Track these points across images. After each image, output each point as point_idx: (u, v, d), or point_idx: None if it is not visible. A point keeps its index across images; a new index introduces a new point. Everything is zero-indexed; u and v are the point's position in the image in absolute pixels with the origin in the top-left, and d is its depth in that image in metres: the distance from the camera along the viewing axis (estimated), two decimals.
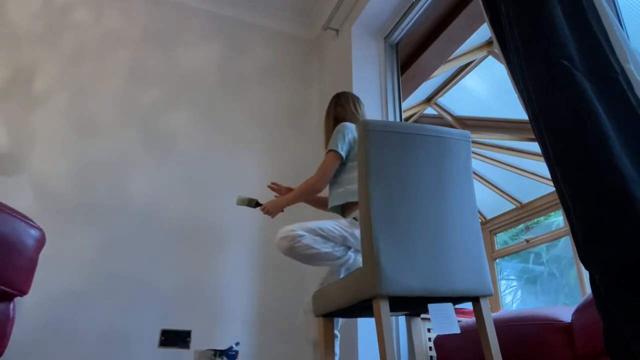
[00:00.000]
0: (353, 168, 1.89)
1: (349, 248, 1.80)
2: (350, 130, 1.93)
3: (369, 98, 2.77)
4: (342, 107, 2.09)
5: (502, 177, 5.20)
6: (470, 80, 4.06)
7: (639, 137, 1.06)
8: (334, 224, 1.79)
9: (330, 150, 1.89)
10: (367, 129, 1.38)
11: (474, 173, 2.25)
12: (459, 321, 1.35)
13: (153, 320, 2.35)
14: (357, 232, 1.76)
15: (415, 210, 1.34)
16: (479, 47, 3.63)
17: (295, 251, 1.73)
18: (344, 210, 1.95)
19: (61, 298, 2.23)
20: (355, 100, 2.14)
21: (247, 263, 2.66)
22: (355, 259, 1.79)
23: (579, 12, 1.22)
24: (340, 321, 1.91)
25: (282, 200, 2.00)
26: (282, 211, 2.03)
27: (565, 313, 1.45)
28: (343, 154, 1.89)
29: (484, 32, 3.14)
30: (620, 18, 1.37)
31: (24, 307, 2.13)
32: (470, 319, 1.67)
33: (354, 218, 1.82)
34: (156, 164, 2.70)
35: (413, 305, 1.48)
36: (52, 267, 2.08)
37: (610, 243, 0.98)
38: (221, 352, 1.90)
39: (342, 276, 2.02)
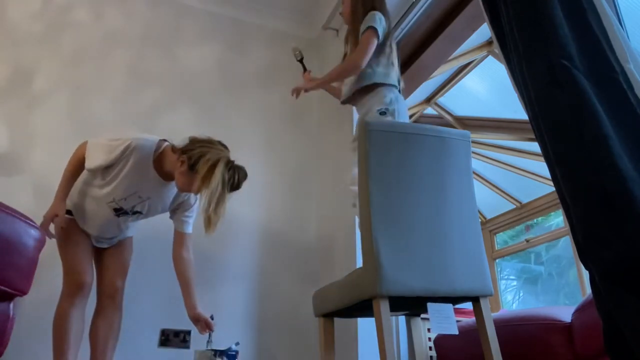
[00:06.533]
0: (382, 52, 1.93)
1: None
2: (382, 19, 1.92)
3: None
4: None
5: (502, 177, 5.19)
6: (470, 80, 4.06)
7: (639, 137, 1.06)
8: None
9: (369, 27, 1.86)
10: (367, 129, 1.38)
11: (474, 173, 2.25)
12: (458, 321, 1.36)
13: (153, 320, 2.35)
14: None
15: (416, 210, 1.34)
16: (479, 47, 3.62)
17: None
18: (358, 95, 1.97)
19: None
20: None
21: (247, 262, 2.66)
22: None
23: (579, 12, 1.22)
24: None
25: (318, 80, 2.11)
26: (306, 91, 2.14)
27: (565, 313, 1.45)
28: (380, 33, 1.88)
29: (484, 32, 3.13)
30: (620, 18, 1.37)
31: (24, 307, 2.13)
32: (470, 319, 1.67)
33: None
34: None
35: (413, 305, 1.48)
36: (52, 267, 2.07)
37: (610, 243, 0.98)
38: (221, 352, 1.90)
39: None
